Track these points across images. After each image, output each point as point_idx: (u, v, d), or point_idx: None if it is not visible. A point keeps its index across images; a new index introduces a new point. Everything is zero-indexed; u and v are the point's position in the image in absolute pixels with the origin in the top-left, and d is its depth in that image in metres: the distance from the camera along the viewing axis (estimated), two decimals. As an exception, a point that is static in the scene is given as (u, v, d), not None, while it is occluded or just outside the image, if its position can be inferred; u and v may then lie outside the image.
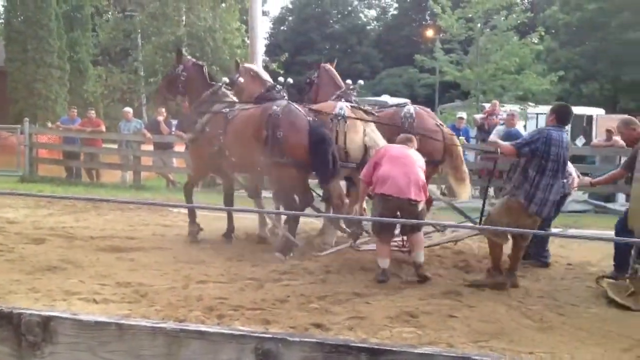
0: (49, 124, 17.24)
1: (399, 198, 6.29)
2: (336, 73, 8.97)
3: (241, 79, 8.34)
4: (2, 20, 30.61)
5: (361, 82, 9.28)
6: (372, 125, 7.78)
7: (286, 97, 7.97)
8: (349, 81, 8.85)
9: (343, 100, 8.10)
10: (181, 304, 5.49)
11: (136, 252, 7.59)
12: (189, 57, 8.56)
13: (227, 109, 7.80)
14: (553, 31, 34.89)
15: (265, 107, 7.40)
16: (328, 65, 9.03)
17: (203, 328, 1.71)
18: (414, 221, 6.26)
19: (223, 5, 24.28)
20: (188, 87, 8.30)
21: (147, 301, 5.55)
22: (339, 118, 7.60)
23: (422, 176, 6.51)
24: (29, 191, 12.53)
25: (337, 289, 6.05)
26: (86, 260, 7.04)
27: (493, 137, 8.56)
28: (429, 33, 34.40)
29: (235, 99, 8.19)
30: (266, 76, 8.71)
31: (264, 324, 4.86)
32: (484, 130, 13.70)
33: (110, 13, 27.62)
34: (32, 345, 1.66)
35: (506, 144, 6.46)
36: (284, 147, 7.11)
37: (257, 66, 9.50)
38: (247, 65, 9.10)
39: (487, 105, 15.25)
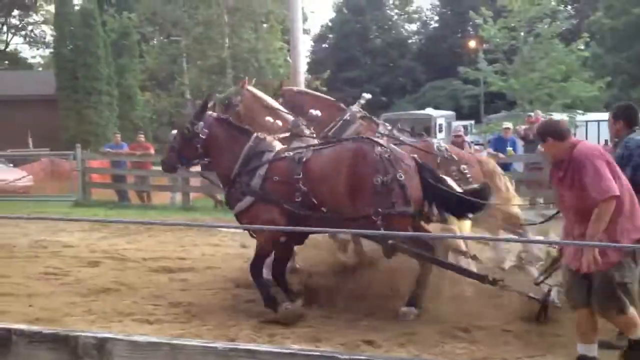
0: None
1: None
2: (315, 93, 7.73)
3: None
4: (52, 50, 31.64)
5: (368, 95, 7.93)
6: None
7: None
8: (365, 94, 7.72)
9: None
10: (232, 323, 5.53)
11: (187, 272, 7.69)
12: (211, 112, 6.84)
13: (289, 153, 6.24)
14: (598, 37, 34.21)
15: (360, 147, 5.96)
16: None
17: (253, 347, 1.74)
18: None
19: (265, 26, 24.62)
20: (214, 148, 6.58)
21: (199, 321, 5.61)
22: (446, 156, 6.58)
23: None
24: (82, 215, 12.85)
25: (384, 304, 5.98)
26: (139, 282, 7.16)
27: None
28: (472, 44, 34.17)
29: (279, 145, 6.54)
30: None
31: (315, 342, 4.86)
32: (528, 140, 13.51)
33: (155, 39, 28.26)
34: (89, 366, 1.71)
35: None
36: (408, 195, 5.71)
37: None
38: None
39: (532, 115, 15.05)
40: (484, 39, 24.37)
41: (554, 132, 4.49)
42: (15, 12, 45.20)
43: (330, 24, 49.58)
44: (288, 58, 22.24)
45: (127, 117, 26.02)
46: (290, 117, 7.17)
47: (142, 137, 16.58)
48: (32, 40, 47.06)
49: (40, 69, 43.17)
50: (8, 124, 24.65)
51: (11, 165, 19.80)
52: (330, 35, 49.19)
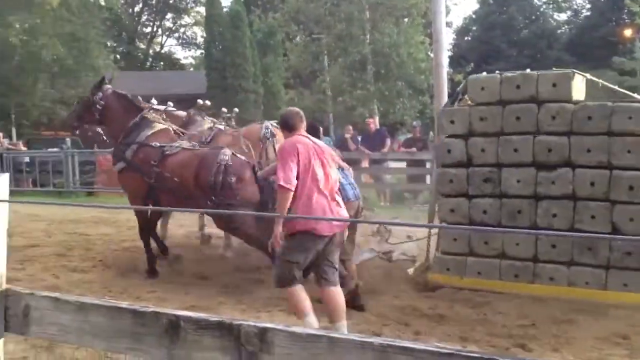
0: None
1: None
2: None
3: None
4: (203, 51, 33.31)
5: (236, 110, 9.53)
6: None
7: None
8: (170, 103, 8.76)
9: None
10: (374, 319, 5.53)
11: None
12: (109, 86, 8.18)
13: (160, 144, 7.43)
14: None
15: (207, 155, 7.05)
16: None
17: (409, 344, 1.70)
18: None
19: (406, 20, 24.41)
20: (108, 116, 8.07)
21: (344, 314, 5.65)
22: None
23: None
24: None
25: (537, 313, 5.71)
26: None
27: None
28: (628, 33, 31.91)
29: (162, 123, 7.89)
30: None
31: (462, 342, 4.74)
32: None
33: (298, 37, 28.92)
34: (251, 355, 1.75)
35: None
36: (236, 193, 6.77)
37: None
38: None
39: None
40: (641, 26, 22.74)
41: (281, 123, 5.11)
42: (169, 16, 48.09)
43: (473, 15, 48.30)
44: (430, 52, 21.94)
45: (271, 115, 26.78)
46: (183, 114, 8.64)
47: (286, 133, 17.02)
48: (184, 42, 49.89)
49: (191, 69, 45.62)
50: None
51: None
52: (474, 28, 47.93)
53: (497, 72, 6.92)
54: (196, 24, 46.98)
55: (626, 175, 5.96)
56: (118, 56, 39.94)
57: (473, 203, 6.67)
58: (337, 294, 4.85)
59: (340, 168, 6.08)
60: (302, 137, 4.86)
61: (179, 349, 1.83)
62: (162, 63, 47.56)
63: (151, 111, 8.01)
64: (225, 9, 28.12)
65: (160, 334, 1.84)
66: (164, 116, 8.21)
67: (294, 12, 25.86)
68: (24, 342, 4.28)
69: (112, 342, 1.92)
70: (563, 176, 6.21)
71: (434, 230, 7.12)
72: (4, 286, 2.11)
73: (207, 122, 8.48)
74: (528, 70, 6.78)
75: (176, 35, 49.74)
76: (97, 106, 8.03)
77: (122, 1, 33.22)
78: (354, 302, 5.77)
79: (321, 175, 4.69)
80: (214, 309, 5.73)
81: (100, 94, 8.08)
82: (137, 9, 45.92)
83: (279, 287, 4.88)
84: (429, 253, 7.08)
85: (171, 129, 7.91)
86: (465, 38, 48.35)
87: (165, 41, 49.55)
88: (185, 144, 7.51)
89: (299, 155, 4.62)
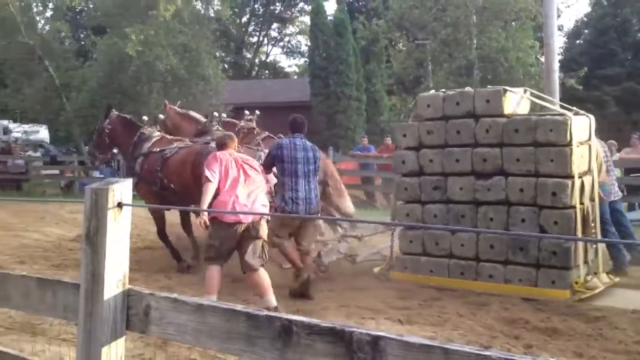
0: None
1: None
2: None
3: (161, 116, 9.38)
4: (307, 59, 33.77)
5: (257, 112, 10.08)
6: None
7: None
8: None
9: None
10: (482, 330, 5.38)
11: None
12: (115, 112, 9.35)
13: (160, 148, 8.32)
14: None
15: (203, 149, 7.74)
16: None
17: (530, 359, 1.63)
18: None
19: (514, 24, 23.71)
20: (116, 138, 9.12)
21: (451, 325, 5.55)
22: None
23: None
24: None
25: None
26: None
27: None
28: None
29: (159, 135, 8.74)
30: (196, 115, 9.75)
31: (576, 358, 4.53)
32: None
33: (401, 43, 28.74)
34: (363, 362, 1.74)
35: None
36: None
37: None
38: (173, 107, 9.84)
39: None
40: None
41: (216, 141, 6.49)
42: (275, 26, 49.14)
43: (585, 18, 46.37)
44: (540, 56, 21.21)
45: (373, 121, 26.82)
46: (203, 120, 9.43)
47: (388, 140, 16.96)
48: (288, 50, 50.83)
49: (295, 77, 46.41)
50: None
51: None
52: (586, 31, 45.97)
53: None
54: (300, 32, 47.77)
55: (550, 182, 6.60)
56: (226, 65, 41.18)
57: (425, 208, 7.48)
58: (259, 276, 5.76)
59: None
60: (225, 152, 6.05)
61: (292, 352, 1.84)
62: (267, 71, 48.64)
63: (145, 126, 8.91)
64: (329, 17, 28.38)
65: (274, 338, 1.86)
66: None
67: (398, 18, 25.71)
68: (138, 340, 4.47)
69: (227, 343, 1.96)
70: (497, 184, 6.93)
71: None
72: (127, 286, 2.20)
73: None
74: (468, 88, 7.68)
75: (281, 44, 50.79)
76: (106, 131, 9.09)
77: (231, 12, 34.16)
78: (303, 292, 6.55)
79: (234, 178, 5.82)
80: (317, 313, 5.77)
81: (108, 120, 9.16)
82: (244, 19, 47.19)
83: (205, 261, 5.96)
84: (392, 253, 7.79)
85: (167, 136, 8.78)
86: (577, 41, 46.48)
87: (270, 50, 50.70)
88: (181, 144, 8.32)
89: (220, 163, 5.86)
